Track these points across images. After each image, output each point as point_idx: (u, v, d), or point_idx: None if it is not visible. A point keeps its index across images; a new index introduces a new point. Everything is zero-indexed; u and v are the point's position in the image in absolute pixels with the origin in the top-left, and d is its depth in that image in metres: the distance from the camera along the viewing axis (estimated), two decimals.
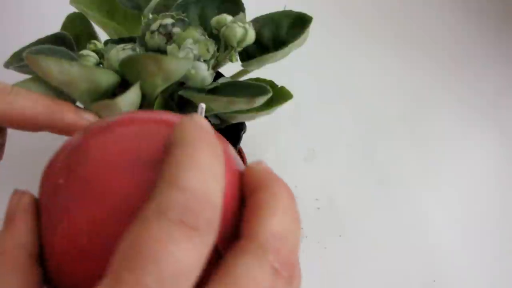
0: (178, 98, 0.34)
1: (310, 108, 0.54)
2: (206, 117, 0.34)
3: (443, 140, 0.52)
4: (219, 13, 0.34)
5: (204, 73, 0.31)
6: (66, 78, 0.26)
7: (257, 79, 0.35)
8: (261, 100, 0.30)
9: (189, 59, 0.30)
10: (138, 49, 0.31)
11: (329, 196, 0.48)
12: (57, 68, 0.26)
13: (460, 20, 0.61)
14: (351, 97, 0.55)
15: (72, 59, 0.31)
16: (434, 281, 0.43)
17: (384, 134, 0.52)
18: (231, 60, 0.32)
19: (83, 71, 0.26)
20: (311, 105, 0.54)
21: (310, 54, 0.59)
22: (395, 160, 0.50)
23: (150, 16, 0.32)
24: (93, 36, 0.36)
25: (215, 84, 0.32)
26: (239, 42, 0.31)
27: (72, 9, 0.36)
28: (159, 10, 0.37)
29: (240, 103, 0.30)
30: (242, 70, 0.35)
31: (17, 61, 0.33)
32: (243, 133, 0.38)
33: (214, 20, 0.32)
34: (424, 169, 0.50)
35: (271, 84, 0.35)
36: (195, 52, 0.30)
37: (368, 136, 0.52)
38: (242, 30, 0.31)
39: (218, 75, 0.38)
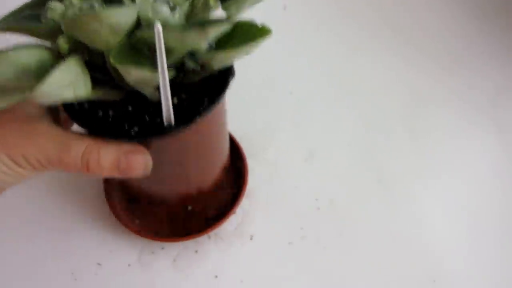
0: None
1: (310, 108, 0.54)
2: (183, 60, 0.32)
3: (443, 140, 0.52)
4: None
5: (165, 15, 0.28)
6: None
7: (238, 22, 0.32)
8: (212, 30, 0.27)
9: (145, 2, 0.27)
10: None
11: (329, 196, 0.48)
12: None
13: (459, 18, 0.61)
14: (351, 97, 0.55)
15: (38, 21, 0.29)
16: (434, 281, 0.43)
17: (384, 134, 0.52)
18: (210, 5, 0.29)
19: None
20: (311, 105, 0.54)
21: (310, 54, 0.59)
22: (395, 159, 0.50)
23: None
24: None
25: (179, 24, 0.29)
26: None
27: None
28: None
29: (192, 34, 0.27)
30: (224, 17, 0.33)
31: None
32: (232, 77, 0.35)
33: None
34: (424, 169, 0.50)
35: (250, 23, 0.31)
36: None
37: (368, 135, 0.52)
38: None
39: None
